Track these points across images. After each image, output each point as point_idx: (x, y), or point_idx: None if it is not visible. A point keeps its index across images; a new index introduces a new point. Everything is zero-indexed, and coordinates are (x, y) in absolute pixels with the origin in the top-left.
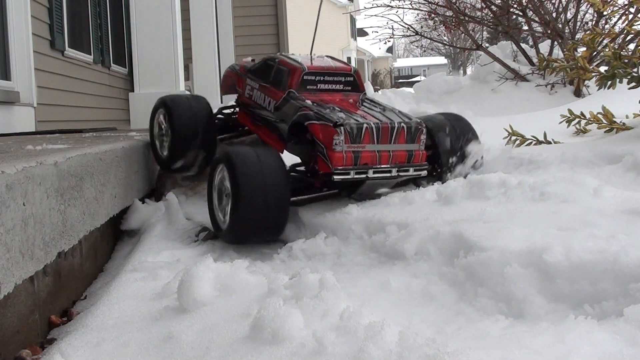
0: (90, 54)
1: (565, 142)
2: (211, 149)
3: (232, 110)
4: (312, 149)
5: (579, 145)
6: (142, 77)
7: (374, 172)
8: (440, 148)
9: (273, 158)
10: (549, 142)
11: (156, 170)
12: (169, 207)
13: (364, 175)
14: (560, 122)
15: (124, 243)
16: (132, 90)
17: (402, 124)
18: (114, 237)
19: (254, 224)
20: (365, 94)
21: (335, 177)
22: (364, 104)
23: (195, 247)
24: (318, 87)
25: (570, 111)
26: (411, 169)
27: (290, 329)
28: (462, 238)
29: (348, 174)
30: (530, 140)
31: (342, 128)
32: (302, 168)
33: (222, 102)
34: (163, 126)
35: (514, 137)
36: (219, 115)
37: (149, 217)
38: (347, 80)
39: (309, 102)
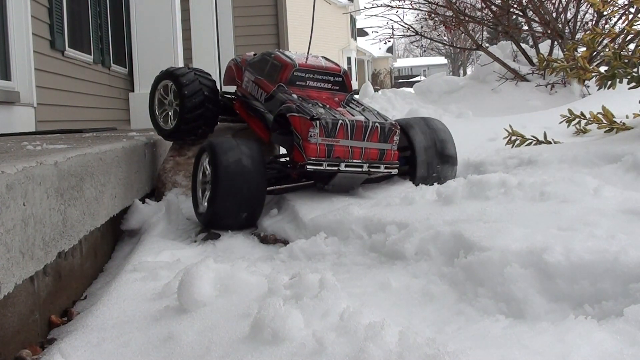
0: (91, 54)
1: (565, 142)
2: (213, 118)
3: (233, 96)
4: (292, 139)
5: (579, 145)
6: (142, 77)
7: (346, 166)
8: (416, 150)
9: (252, 149)
10: (549, 142)
11: (156, 171)
12: (169, 207)
13: (335, 168)
14: (560, 122)
15: (124, 243)
16: (132, 90)
17: (377, 124)
18: (114, 237)
19: (230, 209)
20: (352, 94)
21: (308, 166)
22: (349, 103)
23: (195, 247)
24: (307, 84)
25: (570, 111)
26: (382, 166)
27: (290, 329)
28: (462, 238)
29: (321, 165)
30: (530, 140)
31: (318, 122)
32: (284, 159)
33: None
34: (167, 98)
35: (514, 137)
36: (220, 98)
37: (149, 217)
38: (336, 80)
39: (295, 96)
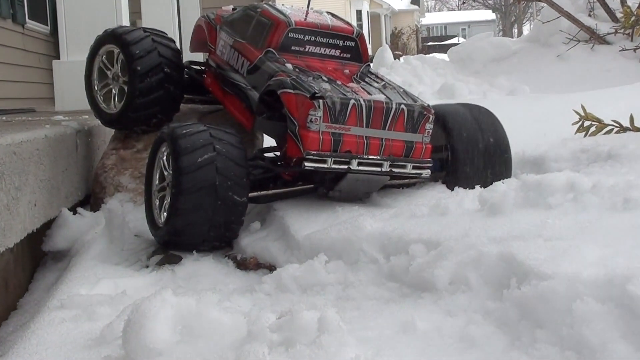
0: None
1: None
2: (174, 104)
3: (202, 67)
4: (284, 126)
5: None
6: (71, 39)
7: (359, 164)
8: (457, 149)
9: (229, 140)
10: (638, 130)
11: (92, 169)
12: (111, 220)
13: (345, 166)
14: None
15: (46, 269)
16: (58, 57)
17: (403, 106)
18: (33, 261)
19: (197, 223)
20: (369, 65)
21: (306, 164)
22: (365, 78)
23: (147, 274)
24: (306, 50)
25: None
26: (409, 165)
27: None
28: (515, 262)
29: (324, 161)
30: (610, 127)
31: (321, 101)
32: (272, 154)
33: None
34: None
35: (587, 123)
36: (186, 70)
37: (83, 233)
38: (347, 45)
39: (289, 66)
